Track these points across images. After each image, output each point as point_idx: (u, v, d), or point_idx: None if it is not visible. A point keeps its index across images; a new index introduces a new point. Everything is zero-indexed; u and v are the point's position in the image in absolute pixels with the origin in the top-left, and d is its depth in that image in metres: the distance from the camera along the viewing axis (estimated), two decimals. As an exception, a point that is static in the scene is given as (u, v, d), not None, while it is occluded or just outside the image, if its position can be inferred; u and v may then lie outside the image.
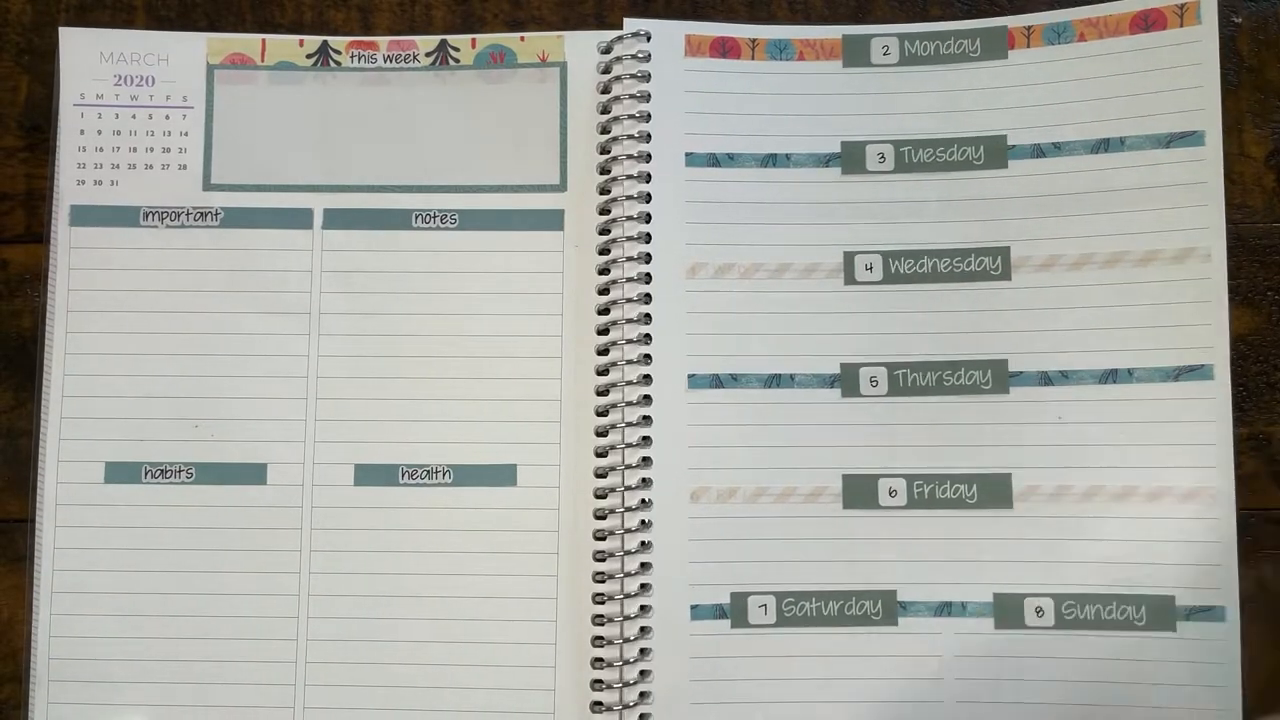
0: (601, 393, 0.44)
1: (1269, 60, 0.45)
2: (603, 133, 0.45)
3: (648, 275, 0.44)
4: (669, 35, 0.46)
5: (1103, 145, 0.44)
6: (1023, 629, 0.43)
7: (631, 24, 0.46)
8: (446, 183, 0.45)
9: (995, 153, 0.45)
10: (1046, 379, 0.44)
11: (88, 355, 0.45)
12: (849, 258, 0.45)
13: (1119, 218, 0.44)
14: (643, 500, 0.44)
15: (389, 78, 0.46)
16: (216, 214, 0.45)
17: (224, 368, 0.45)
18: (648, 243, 0.45)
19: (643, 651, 0.43)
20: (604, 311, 0.45)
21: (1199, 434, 0.43)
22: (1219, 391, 0.43)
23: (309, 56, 0.46)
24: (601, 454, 0.44)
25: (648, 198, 0.45)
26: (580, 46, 0.46)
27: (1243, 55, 0.45)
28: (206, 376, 0.44)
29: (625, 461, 0.44)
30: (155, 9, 0.47)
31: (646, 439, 0.44)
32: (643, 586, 0.43)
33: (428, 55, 0.46)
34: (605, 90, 0.46)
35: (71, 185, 0.45)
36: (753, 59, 0.46)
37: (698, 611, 0.43)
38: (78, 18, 0.46)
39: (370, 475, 0.44)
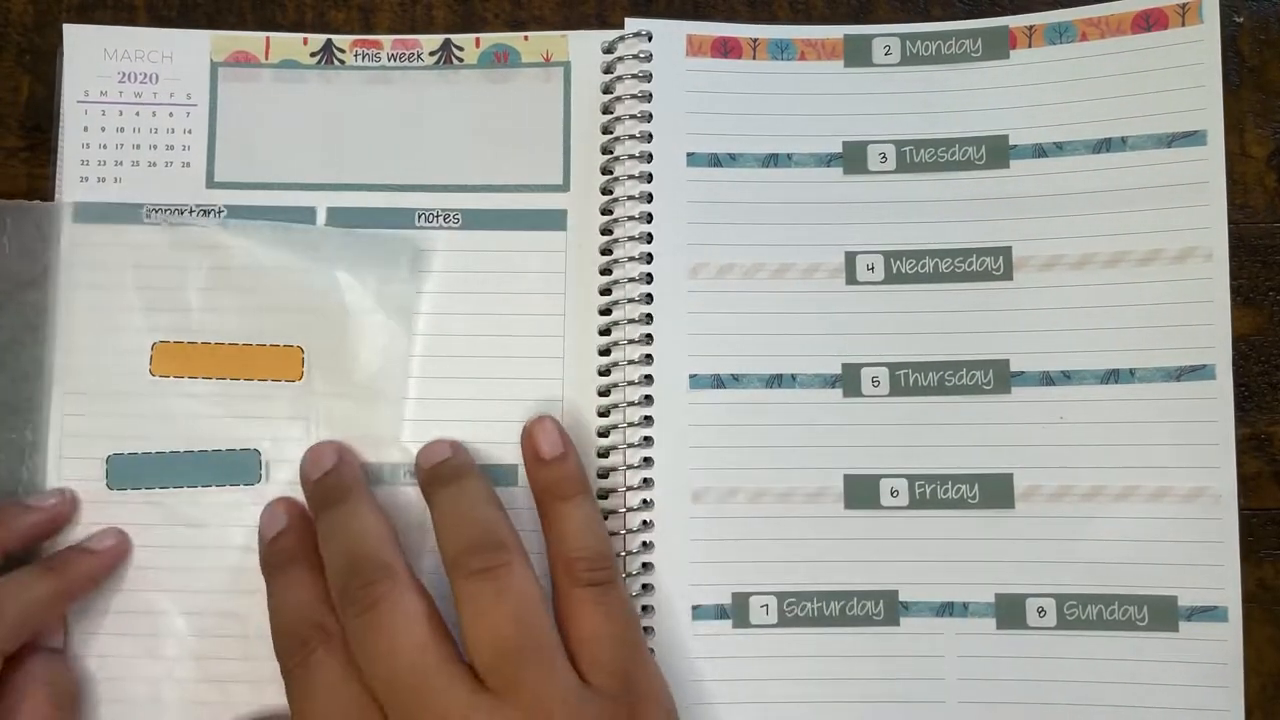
0: (603, 393, 0.44)
1: (1271, 60, 0.45)
2: (605, 132, 0.45)
3: (649, 275, 0.44)
4: (670, 35, 0.46)
5: (1104, 145, 0.44)
6: (1025, 629, 0.43)
7: (632, 24, 0.46)
8: (450, 182, 0.45)
9: (997, 152, 0.45)
10: (1048, 379, 0.44)
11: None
12: (850, 258, 0.45)
13: (1121, 217, 0.44)
14: (644, 500, 0.44)
15: (393, 77, 0.46)
16: (220, 212, 0.45)
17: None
18: (649, 243, 0.45)
19: (644, 651, 0.43)
20: (606, 312, 0.45)
21: (1201, 434, 0.43)
22: (1221, 391, 0.43)
23: (313, 55, 0.46)
24: (603, 454, 0.44)
25: (649, 198, 0.45)
26: (584, 46, 0.46)
27: (1244, 55, 0.45)
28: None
29: (626, 461, 0.44)
30: (156, 8, 0.47)
31: (648, 439, 0.44)
32: (644, 587, 0.43)
33: (432, 54, 0.46)
34: (607, 90, 0.46)
35: (74, 182, 0.45)
36: (754, 59, 0.46)
37: (699, 612, 0.43)
38: (79, 17, 0.46)
39: (371, 475, 0.44)
